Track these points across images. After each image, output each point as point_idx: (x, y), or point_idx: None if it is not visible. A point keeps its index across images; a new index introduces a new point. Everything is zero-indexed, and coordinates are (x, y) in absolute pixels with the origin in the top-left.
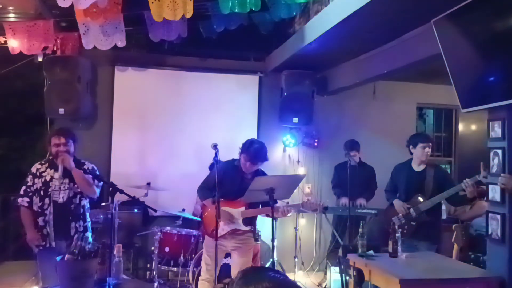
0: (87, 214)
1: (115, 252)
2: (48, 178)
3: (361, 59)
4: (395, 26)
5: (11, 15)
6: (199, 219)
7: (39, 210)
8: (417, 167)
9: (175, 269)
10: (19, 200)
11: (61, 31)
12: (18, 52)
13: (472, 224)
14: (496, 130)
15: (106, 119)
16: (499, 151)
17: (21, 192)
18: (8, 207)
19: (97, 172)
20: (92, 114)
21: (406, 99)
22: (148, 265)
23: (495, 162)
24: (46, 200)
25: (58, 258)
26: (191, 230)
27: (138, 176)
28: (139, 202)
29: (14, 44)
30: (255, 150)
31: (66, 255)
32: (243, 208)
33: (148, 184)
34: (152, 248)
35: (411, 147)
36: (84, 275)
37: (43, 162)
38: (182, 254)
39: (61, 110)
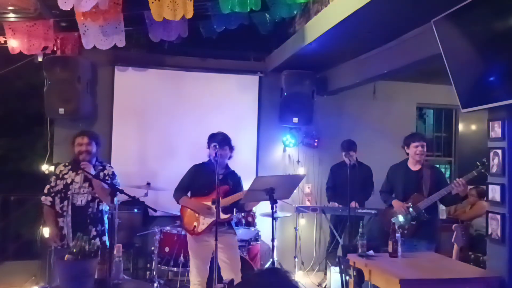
0: (105, 218)
1: (115, 252)
2: (69, 180)
3: (361, 59)
4: (395, 26)
5: (11, 15)
6: None
7: (60, 211)
8: (413, 166)
9: (175, 269)
10: (43, 198)
11: (61, 31)
12: (18, 52)
13: (472, 224)
14: (496, 130)
15: (106, 119)
16: (499, 151)
17: (45, 191)
18: (8, 207)
19: (116, 178)
20: (92, 114)
21: (406, 99)
22: (148, 265)
23: (495, 162)
24: (65, 202)
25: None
26: None
27: (138, 176)
28: (139, 202)
29: (14, 44)
30: (221, 136)
31: (66, 255)
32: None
33: (148, 184)
34: (152, 248)
35: (405, 147)
36: (84, 275)
37: (66, 164)
38: (182, 254)
39: (61, 110)
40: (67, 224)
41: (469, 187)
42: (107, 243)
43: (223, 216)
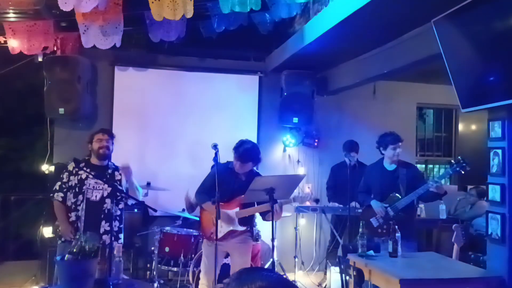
0: (122, 216)
1: (115, 252)
2: (84, 176)
3: (361, 59)
4: (395, 26)
5: (11, 15)
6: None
7: (73, 206)
8: (389, 166)
9: (175, 269)
10: (54, 195)
11: (61, 31)
12: (18, 52)
13: (472, 224)
14: (496, 130)
15: (106, 119)
16: (499, 151)
17: (56, 187)
18: (8, 207)
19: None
20: (92, 114)
21: (406, 99)
22: (148, 265)
23: (495, 162)
24: (80, 197)
25: (58, 258)
26: (191, 230)
27: (138, 176)
28: (139, 202)
29: (14, 44)
30: (244, 150)
31: (66, 255)
32: (237, 209)
33: (148, 184)
34: (152, 248)
35: (381, 148)
36: (84, 275)
37: (80, 161)
38: (182, 254)
39: (61, 110)
40: (80, 218)
41: (469, 187)
42: (122, 240)
43: (239, 228)
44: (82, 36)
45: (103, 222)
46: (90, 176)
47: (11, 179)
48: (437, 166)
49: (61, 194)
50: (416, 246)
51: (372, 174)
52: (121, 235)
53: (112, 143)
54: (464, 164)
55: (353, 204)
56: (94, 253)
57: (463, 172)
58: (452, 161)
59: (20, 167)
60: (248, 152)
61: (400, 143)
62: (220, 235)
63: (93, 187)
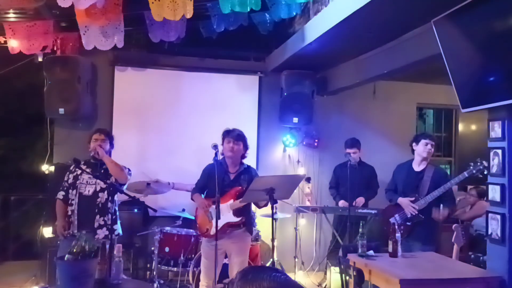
0: (116, 208)
1: (115, 252)
2: (79, 172)
3: (361, 59)
4: (395, 26)
5: (11, 15)
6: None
7: (69, 201)
8: (417, 167)
9: (175, 269)
10: (58, 194)
11: (61, 31)
12: (18, 52)
13: (472, 224)
14: (496, 130)
15: (106, 119)
16: (499, 151)
17: (60, 187)
18: (8, 207)
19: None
20: (92, 114)
21: (406, 99)
22: (148, 265)
23: (495, 162)
24: (74, 192)
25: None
26: (191, 230)
27: (137, 176)
28: (139, 202)
29: (14, 44)
30: (235, 130)
31: (66, 255)
32: (231, 201)
33: (148, 184)
34: (152, 248)
35: (414, 144)
36: (84, 275)
37: (82, 162)
38: (182, 254)
39: (61, 110)
40: (74, 212)
41: (469, 187)
42: (119, 231)
43: (234, 219)
44: (83, 37)
45: (97, 217)
46: (85, 172)
47: (11, 179)
48: (442, 167)
49: (63, 193)
50: (433, 250)
51: (399, 173)
52: (116, 226)
53: (109, 142)
54: (481, 167)
55: (360, 200)
56: (94, 253)
57: (480, 176)
58: (471, 163)
59: (20, 167)
60: (239, 132)
61: (433, 142)
62: (215, 230)
63: (86, 181)
